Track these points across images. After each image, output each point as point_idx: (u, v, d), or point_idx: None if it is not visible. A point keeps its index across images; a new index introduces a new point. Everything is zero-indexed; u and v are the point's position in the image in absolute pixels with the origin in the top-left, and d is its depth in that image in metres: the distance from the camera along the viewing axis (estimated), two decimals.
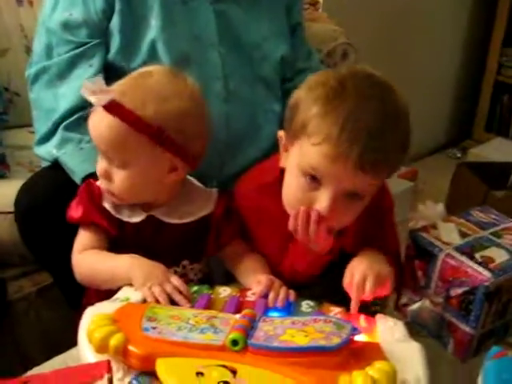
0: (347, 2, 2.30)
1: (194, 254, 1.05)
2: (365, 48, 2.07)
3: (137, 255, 0.95)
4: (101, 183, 0.99)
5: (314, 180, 0.88)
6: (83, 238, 1.00)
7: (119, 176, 0.96)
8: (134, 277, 0.92)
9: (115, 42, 1.18)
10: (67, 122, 1.17)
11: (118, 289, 0.93)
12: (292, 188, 0.92)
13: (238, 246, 1.06)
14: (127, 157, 0.95)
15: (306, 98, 0.90)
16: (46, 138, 1.19)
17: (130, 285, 0.92)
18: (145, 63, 1.15)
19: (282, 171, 0.97)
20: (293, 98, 0.94)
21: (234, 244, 1.06)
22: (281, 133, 0.97)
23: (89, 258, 0.99)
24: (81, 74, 1.17)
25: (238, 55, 1.26)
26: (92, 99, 0.91)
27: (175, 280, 0.91)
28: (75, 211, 1.00)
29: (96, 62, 1.17)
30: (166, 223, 1.00)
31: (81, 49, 1.17)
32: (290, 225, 0.92)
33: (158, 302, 0.87)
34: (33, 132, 1.35)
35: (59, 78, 1.18)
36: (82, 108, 1.14)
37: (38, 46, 1.22)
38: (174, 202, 1.01)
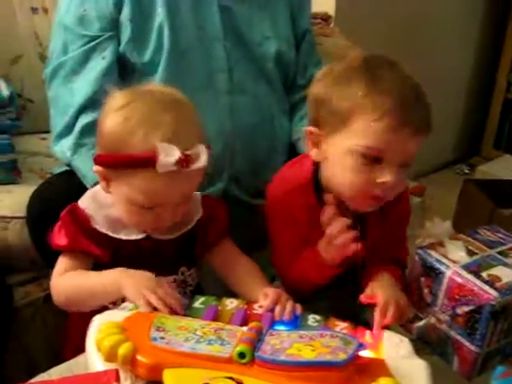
0: (359, 17, 2.31)
1: (190, 259, 1.05)
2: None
3: (122, 268, 0.94)
4: (143, 226, 0.97)
5: (374, 159, 0.91)
6: (66, 263, 0.98)
7: (179, 211, 0.96)
8: (124, 287, 0.90)
9: (126, 32, 1.21)
10: (81, 124, 1.19)
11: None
12: (348, 175, 0.94)
13: (227, 248, 1.06)
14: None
15: (336, 87, 0.93)
16: (62, 134, 1.22)
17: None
18: (152, 52, 1.20)
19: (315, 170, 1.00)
20: (314, 95, 0.96)
21: (222, 246, 1.06)
22: (311, 129, 0.97)
23: (72, 278, 0.96)
24: (94, 66, 1.20)
25: (242, 50, 1.29)
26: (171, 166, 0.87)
27: (166, 286, 0.91)
28: (60, 239, 0.97)
29: (108, 54, 1.21)
30: (160, 240, 0.99)
31: (94, 42, 1.21)
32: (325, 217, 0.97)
33: (154, 309, 0.86)
34: (44, 139, 1.36)
35: (74, 72, 1.21)
36: (95, 102, 1.15)
37: (54, 45, 1.25)
38: None
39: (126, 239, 0.97)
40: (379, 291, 0.94)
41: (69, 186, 1.16)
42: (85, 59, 1.21)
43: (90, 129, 1.17)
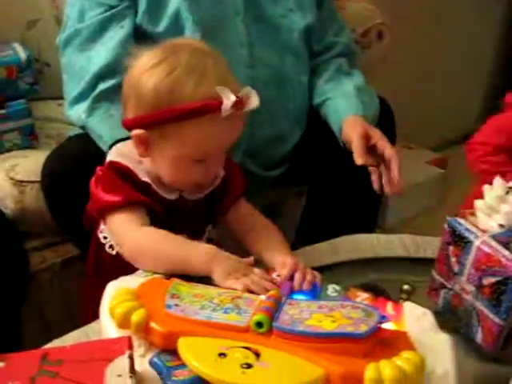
0: None
1: (214, 217, 1.05)
2: (400, 29, 2.04)
3: (211, 246, 0.92)
4: (187, 183, 0.96)
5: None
6: (130, 216, 0.93)
7: (221, 162, 0.96)
8: (216, 270, 0.86)
9: (142, 4, 1.18)
10: (99, 90, 1.16)
11: None
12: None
13: (245, 208, 1.05)
14: None
15: None
16: (78, 98, 1.19)
17: None
18: (169, 27, 1.18)
19: None
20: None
21: (240, 206, 1.05)
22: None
23: (154, 238, 0.92)
24: (112, 35, 1.18)
25: (264, 25, 1.27)
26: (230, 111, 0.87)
27: (257, 270, 0.89)
28: (110, 195, 0.93)
29: (127, 23, 1.18)
30: (192, 200, 0.99)
31: (112, 11, 1.18)
32: None
33: (251, 292, 0.83)
34: (61, 105, 1.35)
35: (91, 40, 1.19)
36: (113, 70, 1.14)
37: (70, 11, 1.22)
38: None
39: (163, 196, 0.96)
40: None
41: (83, 148, 1.14)
42: (102, 28, 1.19)
43: (108, 94, 1.16)
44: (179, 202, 0.97)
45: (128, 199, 0.92)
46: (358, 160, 1.13)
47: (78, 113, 1.19)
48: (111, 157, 0.97)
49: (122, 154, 0.97)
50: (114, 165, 0.95)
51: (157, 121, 0.89)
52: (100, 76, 1.17)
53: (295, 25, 1.30)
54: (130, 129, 0.93)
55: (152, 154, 0.93)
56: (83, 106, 1.18)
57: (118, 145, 1.00)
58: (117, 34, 1.18)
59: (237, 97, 0.87)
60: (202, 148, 0.90)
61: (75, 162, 1.11)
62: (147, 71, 0.89)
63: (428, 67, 2.68)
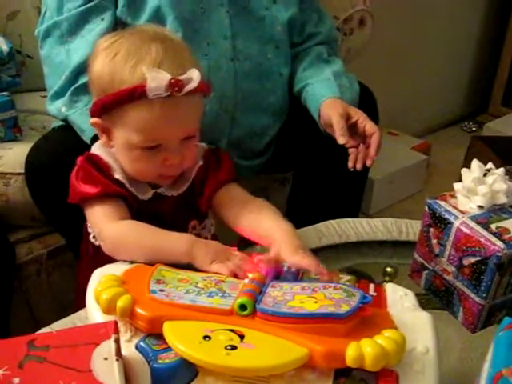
0: None
1: (199, 211, 1.03)
2: (382, 16, 2.04)
3: (189, 234, 0.92)
4: (150, 174, 0.95)
5: (152, 148, 0.92)
6: (105, 208, 0.92)
7: (191, 145, 0.94)
8: (197, 255, 0.86)
9: None
10: (78, 84, 1.15)
11: None
12: (133, 165, 0.94)
13: (232, 193, 1.01)
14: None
15: None
16: (58, 93, 1.19)
17: None
18: (150, 20, 1.16)
19: None
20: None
21: (226, 191, 1.00)
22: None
23: (133, 230, 0.91)
24: (93, 28, 1.17)
25: (247, 17, 1.26)
26: (158, 91, 0.85)
27: (240, 254, 0.89)
28: (87, 187, 0.92)
29: (107, 16, 1.17)
30: (168, 196, 0.98)
31: (92, 3, 1.17)
32: None
33: (234, 276, 0.83)
34: (45, 96, 1.34)
35: (71, 33, 1.18)
36: None
37: (49, 1, 1.21)
38: None
39: (135, 195, 0.95)
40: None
41: (66, 139, 1.14)
42: (83, 20, 1.18)
43: (88, 87, 1.15)
44: (155, 202, 0.97)
45: (104, 191, 0.91)
46: (340, 139, 1.14)
47: (58, 107, 1.19)
48: (94, 147, 0.97)
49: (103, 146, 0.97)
50: (92, 157, 0.95)
51: (101, 107, 0.89)
52: (80, 70, 1.16)
53: (278, 17, 1.30)
54: (91, 116, 0.93)
55: (113, 144, 0.93)
56: (63, 101, 1.18)
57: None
58: (97, 27, 1.17)
59: (175, 79, 0.85)
60: (145, 134, 0.89)
61: (58, 153, 1.11)
62: (98, 56, 0.90)
63: (412, 54, 2.69)
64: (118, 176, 0.93)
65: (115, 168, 0.94)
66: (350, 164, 1.15)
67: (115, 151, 0.95)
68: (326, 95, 1.25)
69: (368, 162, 1.15)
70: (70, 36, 1.18)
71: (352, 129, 1.17)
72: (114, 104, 0.88)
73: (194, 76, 0.87)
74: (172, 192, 0.98)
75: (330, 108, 1.20)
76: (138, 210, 0.95)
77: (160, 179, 0.96)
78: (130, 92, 0.86)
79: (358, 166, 1.15)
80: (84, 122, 1.12)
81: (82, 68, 1.15)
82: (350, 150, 1.16)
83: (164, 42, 0.90)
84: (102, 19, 1.17)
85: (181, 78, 0.86)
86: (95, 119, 0.92)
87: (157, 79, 0.85)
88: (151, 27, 0.97)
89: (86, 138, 1.10)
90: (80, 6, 1.17)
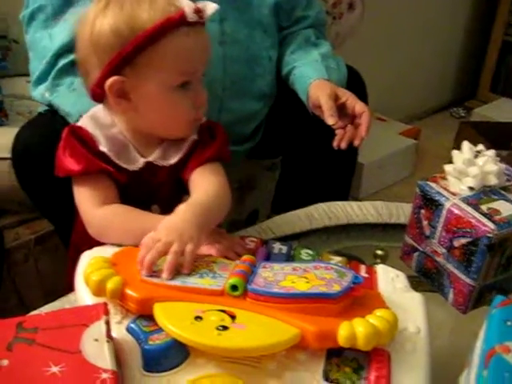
0: None
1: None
2: (372, 0, 2.04)
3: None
4: (186, 116, 0.93)
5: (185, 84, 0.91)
6: (91, 190, 0.90)
7: (202, 88, 0.93)
8: (160, 227, 0.81)
9: None
10: (59, 66, 1.14)
11: None
12: (169, 113, 0.93)
13: (205, 172, 0.95)
14: None
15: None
16: (40, 78, 1.17)
17: None
18: None
19: None
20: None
21: (203, 170, 0.95)
22: (115, 79, 0.89)
23: (118, 214, 0.89)
24: (77, 11, 1.13)
25: (235, 1, 1.24)
26: (194, 17, 0.86)
27: (230, 236, 0.88)
28: (73, 163, 0.89)
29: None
30: (160, 167, 0.95)
31: None
32: None
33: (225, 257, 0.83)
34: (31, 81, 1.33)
35: (55, 16, 1.16)
36: (74, 46, 1.12)
37: None
38: (164, 143, 0.96)
39: (124, 167, 0.93)
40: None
41: (53, 124, 1.12)
42: (67, 3, 1.15)
43: (69, 68, 1.14)
44: (146, 173, 0.94)
45: (87, 168, 0.89)
46: (329, 119, 1.13)
47: (41, 92, 1.17)
48: (81, 120, 0.95)
49: (93, 116, 0.95)
50: (76, 130, 0.92)
51: (128, 56, 0.86)
52: (60, 53, 1.14)
53: (265, 0, 1.29)
54: (101, 87, 0.89)
55: (135, 103, 0.90)
56: (45, 86, 1.16)
57: (95, 108, 0.96)
58: (81, 10, 1.14)
59: (195, 6, 0.87)
60: (179, 66, 0.88)
61: (44, 137, 1.09)
62: (98, 17, 0.87)
63: (401, 39, 2.69)
64: (103, 149, 0.91)
65: (101, 140, 0.91)
66: (335, 143, 1.14)
67: (137, 115, 0.91)
68: (313, 77, 1.24)
69: (356, 142, 1.14)
70: (54, 20, 1.16)
71: (340, 110, 1.16)
72: (145, 43, 0.85)
73: (207, 2, 0.89)
74: (163, 162, 0.95)
75: (318, 89, 1.20)
76: (129, 183, 0.93)
77: (192, 125, 0.95)
78: (165, 22, 0.85)
79: (343, 145, 1.14)
80: (68, 104, 1.10)
81: (64, 50, 1.14)
82: (338, 131, 1.14)
83: None
84: (85, 2, 1.15)
85: (199, 5, 0.87)
86: (114, 79, 0.87)
87: (189, 4, 0.86)
88: None
89: (72, 121, 1.09)
90: None
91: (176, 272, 0.75)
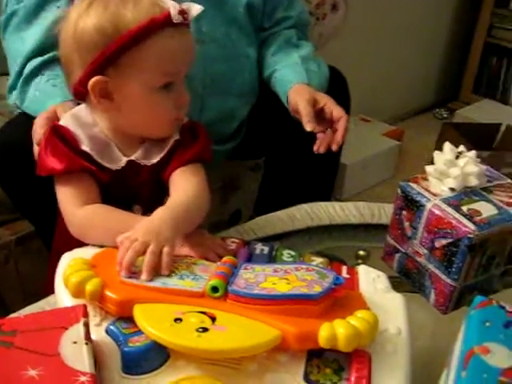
0: None
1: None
2: (355, 1, 2.04)
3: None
4: (168, 116, 0.93)
5: (168, 84, 0.91)
6: (73, 190, 0.90)
7: (185, 89, 0.93)
8: (137, 227, 0.80)
9: None
10: (28, 71, 1.13)
11: None
12: (152, 112, 0.92)
13: (185, 173, 0.94)
14: None
15: None
16: (12, 85, 1.17)
17: None
18: None
19: None
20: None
21: (183, 171, 0.94)
22: (98, 79, 0.89)
23: (99, 214, 0.88)
24: (48, 15, 1.13)
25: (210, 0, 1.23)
26: (179, 18, 0.86)
27: (211, 237, 0.87)
28: (55, 162, 0.89)
29: (63, 3, 1.13)
30: (142, 166, 0.94)
31: None
32: None
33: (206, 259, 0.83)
34: None
35: (27, 21, 1.15)
36: (46, 50, 1.11)
37: None
38: (146, 143, 0.96)
39: (107, 166, 0.92)
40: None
41: (32, 124, 1.11)
42: (38, 7, 1.14)
43: (36, 71, 1.13)
44: (128, 172, 0.94)
45: (70, 167, 0.89)
46: (307, 126, 1.13)
47: (13, 99, 1.17)
48: (62, 119, 0.94)
49: (74, 115, 0.94)
50: (58, 129, 0.92)
51: (111, 56, 0.86)
52: (31, 56, 1.14)
53: (239, 1, 1.29)
54: (84, 86, 0.89)
55: (117, 103, 0.90)
56: (16, 93, 1.16)
57: (77, 107, 0.96)
58: (52, 14, 1.13)
59: (180, 7, 0.87)
60: (162, 67, 0.88)
61: (24, 137, 1.08)
62: (82, 16, 0.87)
63: (384, 40, 2.70)
64: (85, 148, 0.90)
65: (83, 139, 0.91)
66: (315, 147, 1.15)
67: (120, 114, 0.91)
68: (293, 81, 1.25)
69: (334, 147, 1.15)
70: (27, 24, 1.15)
71: (319, 114, 1.16)
72: (129, 44, 0.85)
73: (191, 4, 0.89)
74: (145, 161, 0.94)
75: (297, 94, 1.20)
76: (111, 183, 0.92)
77: (173, 125, 0.95)
78: (150, 23, 0.84)
79: (321, 150, 1.14)
80: (37, 109, 1.08)
81: (35, 53, 1.13)
82: (318, 135, 1.15)
83: None
84: (58, 7, 1.14)
85: (184, 6, 0.87)
86: (97, 78, 0.87)
87: (174, 5, 0.86)
88: None
89: None
90: None
91: (155, 273, 0.75)
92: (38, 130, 0.98)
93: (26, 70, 1.14)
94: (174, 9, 0.86)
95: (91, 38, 0.86)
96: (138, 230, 0.80)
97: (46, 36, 1.13)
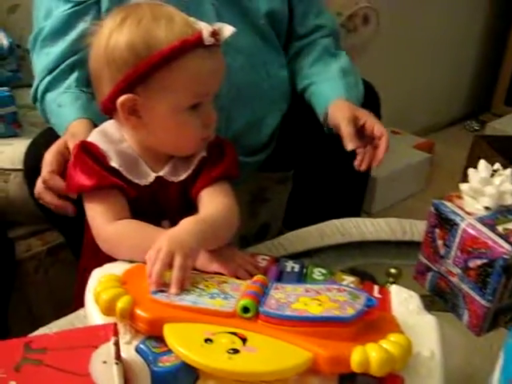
0: None
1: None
2: (386, 13, 2.03)
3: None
4: (194, 136, 0.93)
5: (197, 105, 0.91)
6: (103, 206, 0.90)
7: (212, 108, 0.94)
8: (162, 237, 0.80)
9: (104, 2, 1.16)
10: (43, 88, 1.17)
11: None
12: (180, 132, 0.92)
13: (215, 191, 0.94)
14: None
15: None
16: (34, 98, 1.21)
17: None
18: None
19: None
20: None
21: (213, 189, 0.94)
22: (126, 97, 0.89)
23: (131, 230, 0.88)
24: (73, 31, 1.16)
25: (233, 7, 1.24)
26: (211, 40, 0.87)
27: (242, 254, 0.87)
28: (84, 179, 0.89)
29: (90, 18, 1.15)
30: (170, 182, 0.95)
31: (78, 7, 1.16)
32: None
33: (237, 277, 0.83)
34: None
35: (53, 36, 1.17)
36: (64, 62, 1.15)
37: (37, 11, 1.20)
38: (173, 159, 0.96)
39: (135, 182, 0.92)
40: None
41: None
42: (66, 23, 1.17)
43: (52, 85, 1.16)
44: (157, 188, 0.94)
45: (100, 183, 0.89)
46: (349, 145, 1.13)
47: (38, 112, 1.22)
48: (91, 136, 0.95)
49: (102, 131, 0.95)
50: (87, 146, 0.92)
51: (142, 74, 0.86)
52: (52, 70, 1.16)
53: (260, 9, 1.29)
54: (112, 103, 0.89)
55: (146, 121, 0.90)
56: (40, 109, 1.20)
57: (104, 124, 0.97)
58: (79, 28, 1.16)
59: (212, 29, 0.87)
60: (192, 88, 0.88)
61: None
62: (114, 32, 0.87)
63: (415, 52, 2.68)
64: (114, 164, 0.91)
65: (111, 156, 0.91)
66: (356, 164, 1.16)
67: (146, 132, 0.91)
68: (332, 96, 1.24)
69: (374, 164, 1.16)
70: (52, 39, 1.17)
71: (360, 131, 1.16)
72: (160, 64, 0.85)
73: (223, 25, 0.90)
74: (173, 178, 0.94)
75: (338, 111, 1.19)
76: (139, 198, 0.92)
77: (201, 144, 0.95)
78: (183, 44, 0.85)
79: (363, 167, 1.15)
80: (58, 124, 1.13)
81: (55, 67, 1.16)
82: (358, 151, 1.16)
83: (171, 6, 0.91)
84: (85, 21, 1.16)
85: (216, 27, 0.88)
86: (126, 96, 0.87)
87: (206, 27, 0.86)
88: None
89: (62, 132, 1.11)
90: (65, 10, 1.16)
91: (186, 292, 0.75)
92: (44, 168, 0.99)
93: (45, 82, 1.17)
94: (206, 31, 0.86)
95: (122, 55, 0.86)
96: (162, 239, 0.80)
97: (71, 49, 1.15)
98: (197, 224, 0.84)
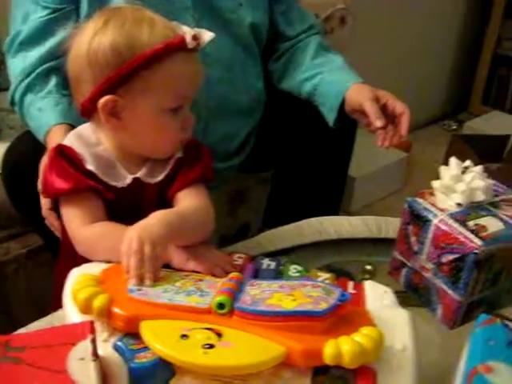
0: None
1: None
2: (363, 14, 2.05)
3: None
4: (174, 139, 0.94)
5: (178, 107, 0.92)
6: (79, 209, 0.90)
7: (190, 111, 0.95)
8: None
9: (84, 6, 1.16)
10: (21, 90, 1.17)
11: None
12: (159, 134, 0.93)
13: (191, 194, 0.95)
14: None
15: None
16: (12, 102, 1.21)
17: None
18: None
19: None
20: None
21: (189, 191, 0.95)
22: (107, 99, 0.89)
23: (106, 231, 0.89)
24: (52, 37, 1.16)
25: (213, 19, 1.24)
26: (193, 43, 0.88)
27: (218, 252, 0.89)
28: (60, 182, 0.89)
29: (69, 26, 1.14)
30: (147, 184, 0.95)
31: (55, 14, 1.16)
32: None
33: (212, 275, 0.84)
34: None
35: (30, 41, 1.17)
36: (42, 65, 1.16)
37: (15, 15, 1.20)
38: (150, 161, 0.96)
39: (112, 184, 0.93)
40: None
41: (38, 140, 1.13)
42: (44, 30, 1.17)
43: (29, 87, 1.16)
44: (134, 190, 0.94)
45: (76, 186, 0.89)
46: (378, 123, 1.17)
47: (17, 116, 1.21)
48: (66, 139, 0.95)
49: (78, 135, 0.95)
50: (63, 149, 0.92)
51: (125, 75, 0.86)
52: (29, 73, 1.16)
53: (243, 19, 1.29)
54: (93, 104, 0.89)
55: (125, 122, 0.90)
56: (18, 112, 1.19)
57: (80, 127, 0.97)
58: (58, 35, 1.16)
59: (194, 33, 0.89)
60: (174, 90, 0.89)
61: (34, 152, 1.09)
62: (96, 35, 0.87)
63: (392, 53, 2.70)
64: (90, 167, 0.91)
65: (87, 159, 0.92)
66: (379, 143, 1.20)
67: (127, 134, 0.92)
68: (350, 81, 1.28)
69: (395, 140, 1.19)
70: (29, 44, 1.18)
71: (381, 110, 1.20)
72: (143, 66, 0.86)
73: (202, 30, 0.91)
74: (149, 179, 0.95)
75: (358, 94, 1.23)
76: (117, 200, 0.93)
77: (178, 146, 0.96)
78: (166, 46, 0.86)
79: (386, 144, 1.19)
80: (35, 127, 1.13)
81: (32, 71, 1.16)
82: (378, 132, 1.19)
83: (151, 10, 0.92)
84: (65, 29, 1.15)
85: (196, 32, 0.89)
86: (108, 97, 0.88)
87: (188, 31, 0.88)
88: (124, 3, 0.99)
89: (41, 136, 1.10)
90: (43, 16, 1.16)
91: (163, 290, 0.76)
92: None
93: (23, 84, 1.17)
94: (189, 34, 0.87)
95: (105, 57, 0.87)
96: (132, 229, 0.81)
97: (48, 56, 1.16)
98: (167, 214, 0.85)
